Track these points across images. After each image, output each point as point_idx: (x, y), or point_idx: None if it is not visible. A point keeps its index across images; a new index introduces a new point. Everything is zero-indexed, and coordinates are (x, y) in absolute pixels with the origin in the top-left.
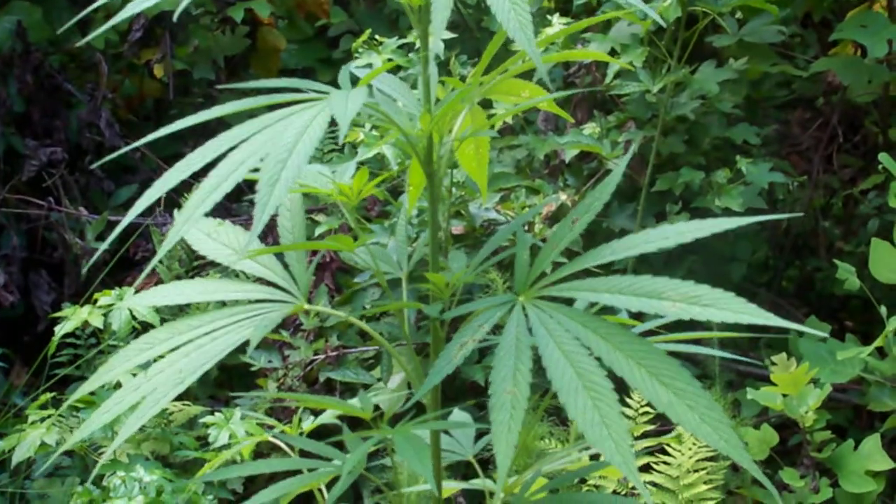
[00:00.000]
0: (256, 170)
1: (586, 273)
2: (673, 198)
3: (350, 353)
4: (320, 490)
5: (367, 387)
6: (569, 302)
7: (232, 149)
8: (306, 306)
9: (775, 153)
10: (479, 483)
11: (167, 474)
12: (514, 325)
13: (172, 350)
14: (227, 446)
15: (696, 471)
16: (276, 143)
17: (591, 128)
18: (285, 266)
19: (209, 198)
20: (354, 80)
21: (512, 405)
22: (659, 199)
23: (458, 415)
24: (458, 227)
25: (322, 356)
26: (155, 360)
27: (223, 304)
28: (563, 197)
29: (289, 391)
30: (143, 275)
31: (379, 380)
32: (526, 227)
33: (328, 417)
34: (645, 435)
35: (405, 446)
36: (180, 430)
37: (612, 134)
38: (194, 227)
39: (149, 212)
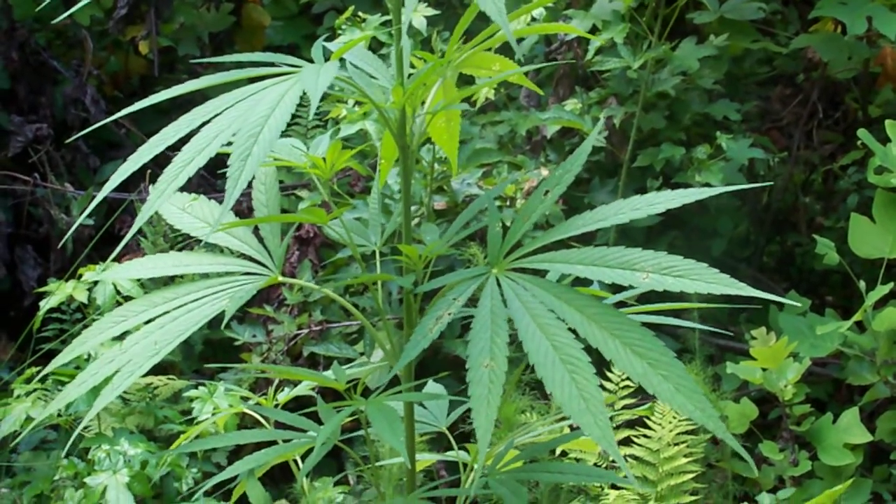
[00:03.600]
0: (231, 143)
1: (562, 247)
2: (654, 173)
3: (333, 328)
4: (296, 461)
5: (350, 361)
6: (543, 274)
7: (205, 123)
8: (280, 278)
9: (756, 129)
10: (454, 455)
11: (151, 448)
12: (488, 298)
13: (148, 322)
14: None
15: (676, 444)
16: (249, 117)
17: (572, 104)
18: (260, 240)
19: (182, 173)
20: (329, 56)
21: (490, 379)
22: (640, 174)
23: (433, 387)
24: (440, 203)
25: (305, 331)
26: (131, 332)
27: (204, 277)
28: (544, 172)
29: (273, 366)
30: (118, 249)
31: (362, 354)
32: (508, 203)
33: (303, 389)
34: (626, 409)
35: (378, 417)
36: (165, 404)
37: (593, 110)
38: (168, 202)
39: (134, 187)
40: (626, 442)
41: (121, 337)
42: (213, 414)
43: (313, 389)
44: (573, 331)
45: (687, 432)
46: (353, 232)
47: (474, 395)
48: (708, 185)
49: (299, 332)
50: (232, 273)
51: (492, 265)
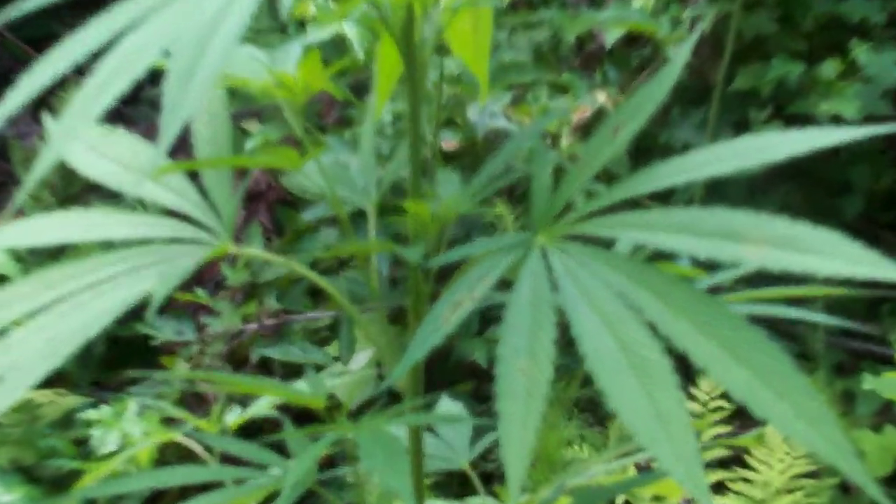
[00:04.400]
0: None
1: (632, 206)
2: (759, 100)
3: (295, 322)
4: None
5: (319, 369)
6: (608, 245)
7: (129, 28)
8: (231, 248)
9: None
10: (477, 503)
11: (33, 492)
12: (530, 277)
13: (40, 311)
14: (119, 451)
15: (789, 491)
16: (193, 18)
17: None
18: (203, 193)
19: (98, 99)
20: None
21: (528, 391)
22: (739, 102)
23: (448, 404)
24: (450, 142)
25: (254, 325)
26: (10, 327)
27: (111, 245)
28: (601, 98)
29: (221, 374)
30: (12, 210)
31: (336, 359)
32: (549, 141)
33: (263, 409)
34: (720, 440)
35: (373, 449)
36: (51, 431)
37: (672, 8)
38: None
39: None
40: (719, 488)
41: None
42: (126, 443)
43: (277, 408)
44: (650, 326)
45: (806, 475)
46: (337, 183)
47: (505, 413)
48: (839, 116)
49: (245, 326)
50: (159, 240)
51: (536, 231)
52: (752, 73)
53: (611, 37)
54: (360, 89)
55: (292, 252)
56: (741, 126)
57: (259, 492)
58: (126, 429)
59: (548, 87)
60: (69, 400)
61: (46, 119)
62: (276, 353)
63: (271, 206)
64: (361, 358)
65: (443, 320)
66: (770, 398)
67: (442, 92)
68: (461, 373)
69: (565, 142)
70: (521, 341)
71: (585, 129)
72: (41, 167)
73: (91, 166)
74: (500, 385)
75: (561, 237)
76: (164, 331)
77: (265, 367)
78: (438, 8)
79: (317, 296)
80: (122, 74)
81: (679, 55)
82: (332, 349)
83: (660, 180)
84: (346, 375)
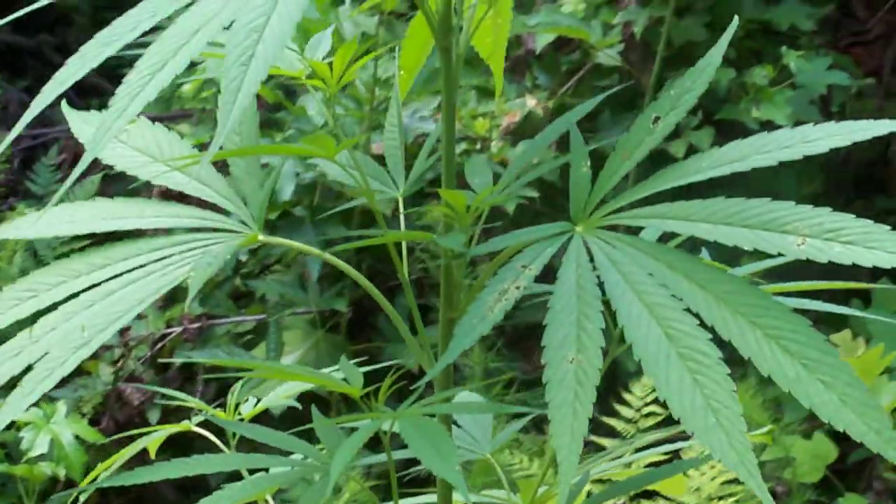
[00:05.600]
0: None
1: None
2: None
3: (219, 325)
4: (266, 501)
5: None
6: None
7: (183, 10)
8: (261, 237)
9: (831, 44)
10: (500, 497)
11: None
12: (573, 265)
13: (67, 299)
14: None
15: (720, 498)
16: (248, 1)
17: (573, 3)
18: (230, 183)
19: (150, 85)
20: None
21: (577, 380)
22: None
23: (467, 397)
24: (380, 144)
25: (177, 329)
26: (42, 314)
27: (147, 235)
28: (531, 103)
29: (131, 379)
30: (58, 196)
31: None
32: (478, 147)
33: (279, 399)
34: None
35: (417, 437)
36: None
37: (603, 13)
38: (84, 123)
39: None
40: (651, 494)
41: (32, 320)
42: (56, 447)
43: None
44: (696, 315)
45: (736, 481)
46: (367, 171)
47: (554, 402)
48: (769, 122)
49: (169, 330)
50: (188, 229)
51: (575, 221)
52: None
53: (541, 42)
54: (289, 93)
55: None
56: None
57: (289, 478)
58: (55, 432)
59: (476, 91)
60: None
61: (73, 115)
62: (201, 356)
63: None
64: (289, 359)
65: (488, 309)
66: (818, 389)
67: (374, 94)
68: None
69: (495, 146)
70: (568, 332)
71: (515, 134)
72: (91, 153)
73: (118, 157)
74: (549, 374)
75: (600, 228)
76: None
77: (188, 372)
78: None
79: (240, 300)
80: (174, 58)
81: (724, 38)
82: (259, 352)
83: (696, 173)
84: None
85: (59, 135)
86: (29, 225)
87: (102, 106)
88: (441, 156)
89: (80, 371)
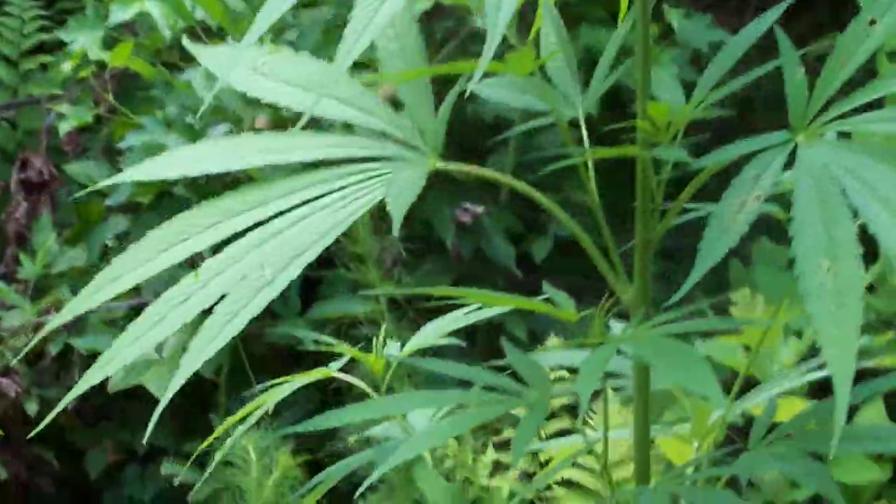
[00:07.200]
0: None
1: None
2: None
3: (92, 313)
4: None
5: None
6: None
7: None
8: (440, 164)
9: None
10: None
11: None
12: (808, 173)
13: (227, 241)
14: None
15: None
16: None
17: None
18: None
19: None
20: None
21: (836, 289)
22: None
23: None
24: (261, 119)
25: (50, 317)
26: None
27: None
28: None
29: (6, 373)
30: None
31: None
32: None
33: (430, 339)
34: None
35: (664, 360)
36: None
37: None
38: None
39: None
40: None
41: (189, 265)
42: None
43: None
44: None
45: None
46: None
47: (815, 315)
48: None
49: (41, 319)
50: (356, 160)
51: (795, 130)
52: None
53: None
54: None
55: (83, 242)
56: None
57: (510, 405)
58: None
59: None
60: None
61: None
62: (84, 343)
63: (54, 196)
64: (171, 343)
65: (729, 222)
66: None
67: None
68: (276, 358)
69: None
70: (816, 237)
71: (392, 103)
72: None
73: (262, 89)
74: (804, 285)
75: (821, 138)
76: None
77: (63, 359)
78: None
79: None
80: None
81: None
82: None
83: None
84: (156, 362)
85: None
86: (169, 164)
87: None
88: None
89: None
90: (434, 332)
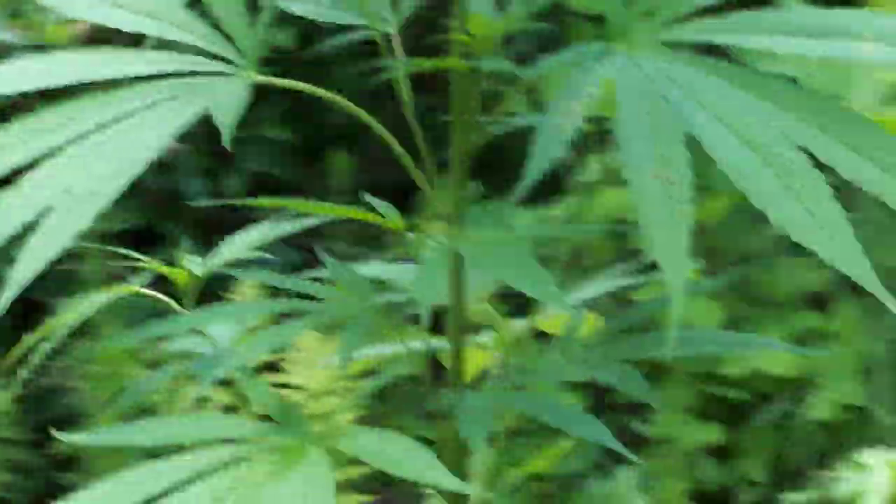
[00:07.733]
0: None
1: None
2: None
3: None
4: None
5: None
6: None
7: None
8: (257, 76)
9: None
10: None
11: None
12: (629, 83)
13: (62, 147)
14: None
15: (327, 393)
16: None
17: None
18: (215, 27)
19: None
20: None
21: (666, 194)
22: None
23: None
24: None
25: None
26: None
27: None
28: None
29: None
30: None
31: None
32: None
33: (238, 251)
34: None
35: (492, 260)
36: None
37: None
38: None
39: None
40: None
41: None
42: None
43: None
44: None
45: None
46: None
47: (648, 222)
48: None
49: None
50: (178, 74)
51: (611, 38)
52: None
53: None
54: None
55: None
56: None
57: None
58: None
59: None
60: None
61: None
62: None
63: None
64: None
65: (561, 129)
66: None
67: None
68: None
69: None
70: (644, 146)
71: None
72: None
73: (89, 11)
74: (634, 194)
75: (645, 47)
76: None
77: None
78: None
79: None
80: None
81: None
82: None
83: None
84: None
85: None
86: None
87: None
88: None
89: None
90: (242, 243)
